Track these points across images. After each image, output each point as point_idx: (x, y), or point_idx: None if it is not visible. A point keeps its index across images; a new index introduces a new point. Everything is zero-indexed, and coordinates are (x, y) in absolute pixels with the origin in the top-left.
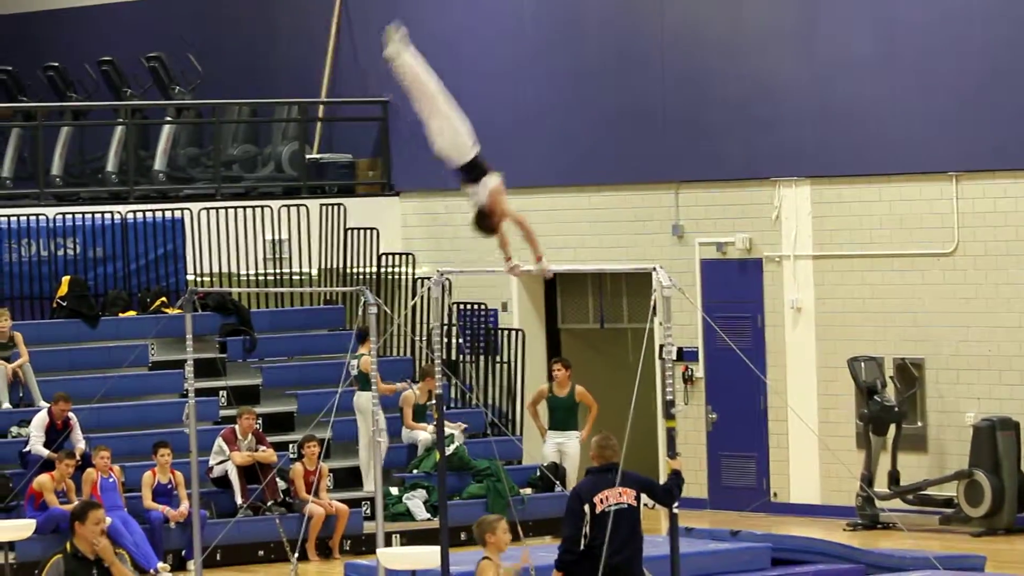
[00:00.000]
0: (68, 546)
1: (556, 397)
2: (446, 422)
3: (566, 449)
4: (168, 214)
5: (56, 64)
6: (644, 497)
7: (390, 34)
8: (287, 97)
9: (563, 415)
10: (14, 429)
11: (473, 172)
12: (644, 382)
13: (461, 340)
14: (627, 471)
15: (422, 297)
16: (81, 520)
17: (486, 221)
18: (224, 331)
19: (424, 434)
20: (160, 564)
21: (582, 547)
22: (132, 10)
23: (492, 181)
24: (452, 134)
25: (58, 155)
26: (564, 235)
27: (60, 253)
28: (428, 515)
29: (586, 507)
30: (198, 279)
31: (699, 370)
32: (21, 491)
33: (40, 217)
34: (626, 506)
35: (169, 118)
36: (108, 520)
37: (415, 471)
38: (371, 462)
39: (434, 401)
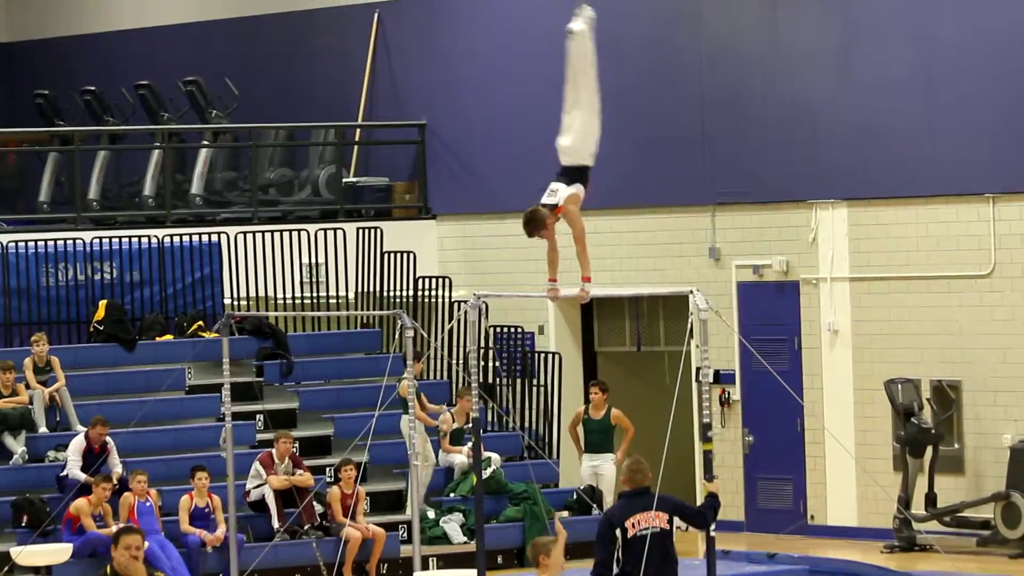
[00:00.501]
0: (108, 569)
1: (592, 420)
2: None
3: (602, 471)
4: (205, 238)
5: (93, 88)
6: (677, 520)
7: (584, 10)
8: (324, 120)
9: (598, 438)
10: (51, 453)
11: (572, 176)
12: (681, 405)
13: (498, 363)
14: (661, 494)
15: (459, 320)
16: (115, 544)
17: (542, 218)
18: (261, 355)
19: (460, 457)
20: None
21: (614, 572)
22: (169, 34)
23: (578, 188)
24: (586, 134)
25: (95, 179)
26: (601, 258)
27: (97, 277)
28: (465, 538)
29: (617, 532)
30: (235, 303)
31: (736, 393)
32: (58, 515)
33: (77, 241)
34: (658, 530)
35: (206, 142)
36: (146, 544)
37: (452, 494)
38: (413, 484)
39: (471, 424)
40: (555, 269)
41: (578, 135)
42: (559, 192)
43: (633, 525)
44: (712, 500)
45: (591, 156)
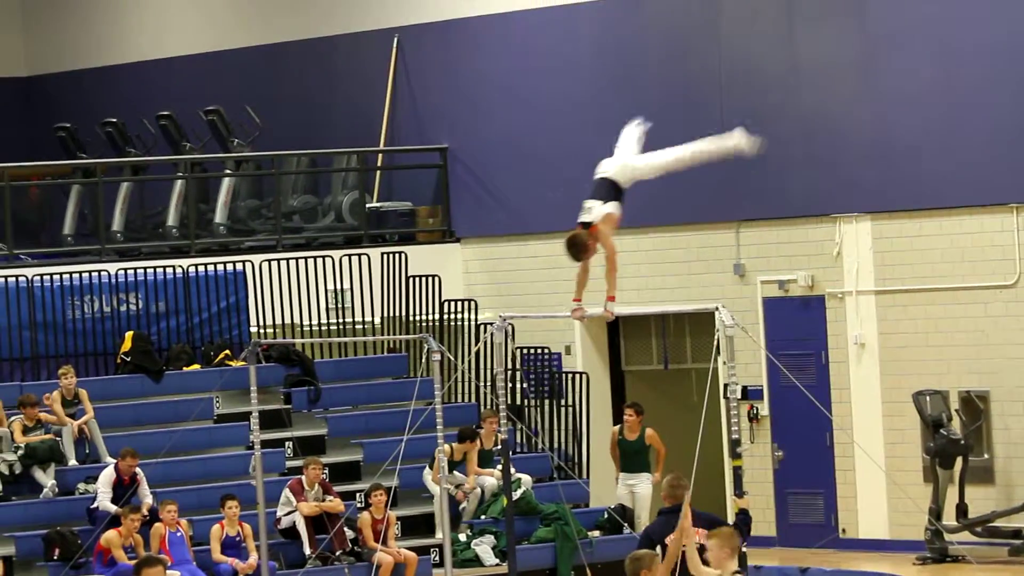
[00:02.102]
0: None
1: (626, 441)
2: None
3: (637, 491)
4: (230, 267)
5: (114, 120)
6: None
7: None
8: (346, 147)
9: (634, 459)
10: (81, 486)
11: (607, 192)
12: (710, 422)
13: (525, 384)
14: (696, 510)
15: (485, 343)
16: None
17: (584, 240)
18: (288, 382)
19: (491, 479)
20: None
21: None
22: (189, 64)
23: (613, 207)
24: (644, 167)
25: (119, 211)
26: (626, 276)
27: (123, 309)
28: (497, 560)
29: (657, 548)
30: (261, 331)
31: (764, 408)
32: (90, 548)
33: (102, 273)
34: (698, 545)
35: (228, 171)
36: (177, 575)
37: (483, 516)
38: (444, 506)
39: (499, 446)
40: (582, 289)
41: (632, 163)
42: (594, 210)
43: (672, 541)
44: (743, 516)
45: (629, 182)
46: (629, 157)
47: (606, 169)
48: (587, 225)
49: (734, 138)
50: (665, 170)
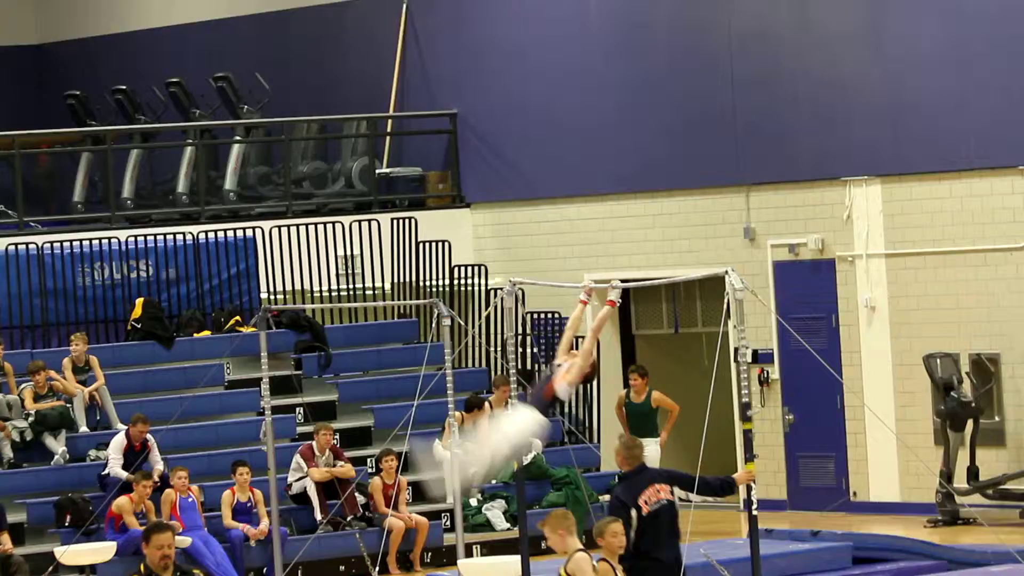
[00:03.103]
0: (142, 567)
1: (632, 404)
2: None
3: (645, 455)
4: (240, 233)
5: (124, 87)
6: (676, 490)
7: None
8: (355, 112)
9: (640, 421)
10: (92, 452)
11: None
12: (720, 386)
13: (535, 349)
14: (653, 468)
15: (495, 308)
16: (145, 542)
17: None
18: (299, 348)
19: None
20: None
21: (635, 549)
22: (198, 31)
23: (562, 372)
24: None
25: (128, 178)
26: (636, 241)
27: (133, 276)
28: (508, 525)
29: (633, 512)
30: (271, 297)
31: (775, 372)
32: (101, 514)
33: (112, 240)
34: (666, 502)
35: (238, 137)
36: (188, 541)
37: (493, 481)
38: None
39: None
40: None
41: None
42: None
43: (646, 502)
44: (726, 478)
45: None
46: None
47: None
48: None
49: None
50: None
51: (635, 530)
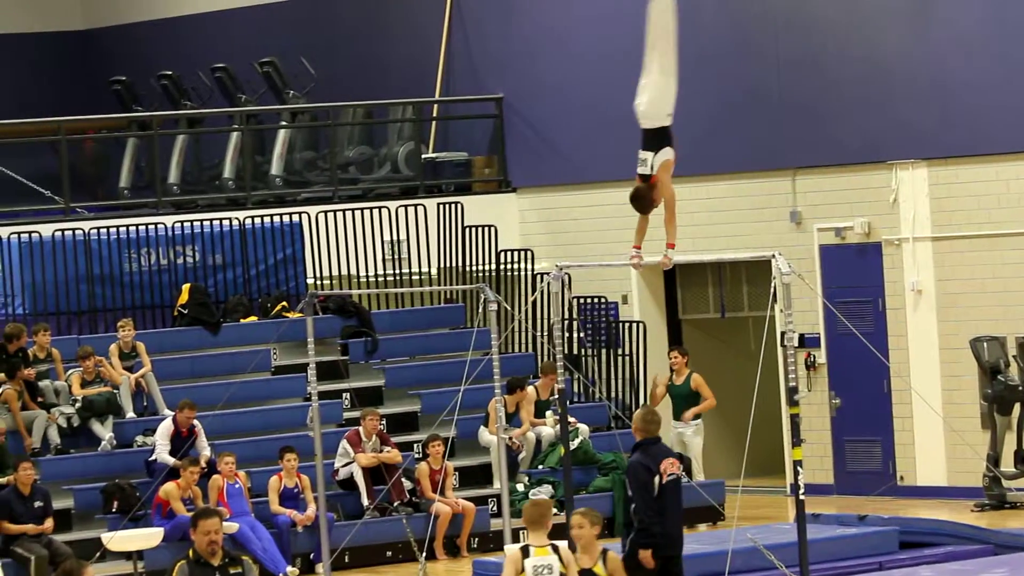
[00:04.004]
0: (191, 552)
1: (673, 385)
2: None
3: (685, 440)
4: (286, 218)
5: (170, 73)
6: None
7: None
8: (401, 97)
9: (681, 403)
10: (139, 438)
11: (656, 140)
12: (767, 370)
13: (582, 334)
14: (666, 446)
15: (542, 292)
16: (193, 528)
17: (647, 193)
18: (345, 333)
19: (548, 429)
20: (289, 568)
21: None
22: (244, 16)
23: (668, 154)
24: (662, 93)
25: (175, 163)
26: (682, 225)
27: (180, 261)
28: (555, 510)
29: (656, 479)
30: (318, 282)
31: (821, 356)
32: (148, 500)
33: (159, 226)
34: (677, 476)
35: (284, 122)
36: (235, 526)
37: (540, 466)
38: (502, 457)
39: (556, 396)
40: (641, 236)
41: (652, 97)
42: (649, 160)
43: (664, 471)
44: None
45: (668, 116)
46: (635, 105)
47: (642, 114)
48: (646, 177)
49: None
50: (661, 89)
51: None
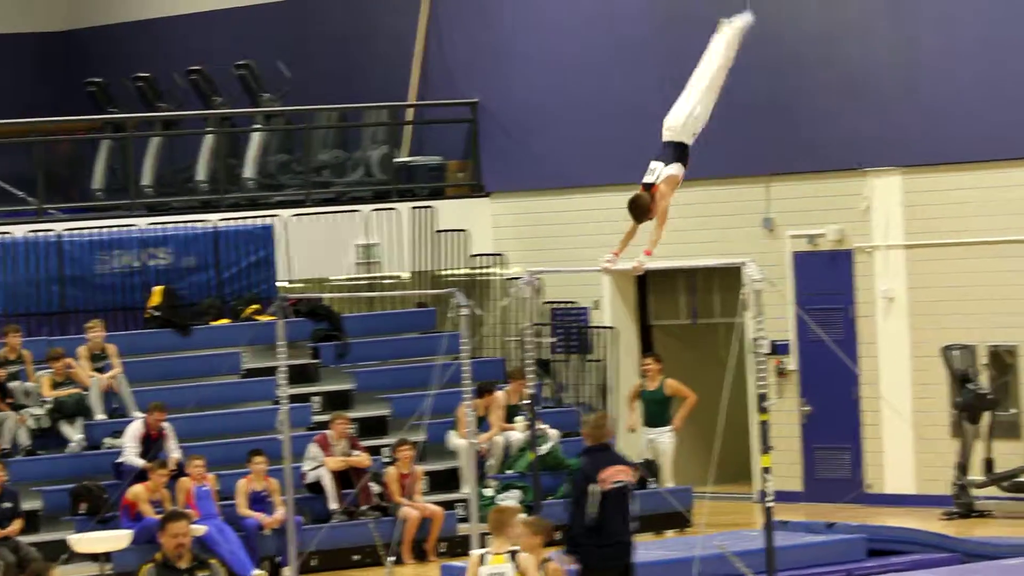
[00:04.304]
0: (159, 555)
1: (647, 391)
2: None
3: (658, 445)
4: (259, 221)
5: (145, 74)
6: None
7: (746, 16)
8: (376, 101)
9: (655, 409)
10: (108, 440)
11: (671, 153)
12: (737, 376)
13: (553, 339)
14: (617, 452)
15: (513, 297)
16: (161, 530)
17: (646, 202)
18: (316, 337)
19: (517, 434)
20: (256, 571)
21: (591, 525)
22: (219, 19)
23: (676, 169)
24: (696, 118)
25: (148, 165)
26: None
27: (152, 263)
28: (523, 515)
29: (593, 486)
30: (289, 285)
31: (792, 363)
32: (116, 502)
33: (131, 228)
34: (623, 484)
35: (258, 125)
36: (203, 529)
37: (509, 471)
38: (468, 463)
39: (526, 401)
40: (624, 245)
41: (686, 116)
42: (657, 171)
43: (605, 479)
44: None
45: (691, 136)
46: (668, 118)
47: (670, 127)
48: (649, 186)
49: (739, 20)
50: (710, 97)
51: (594, 505)
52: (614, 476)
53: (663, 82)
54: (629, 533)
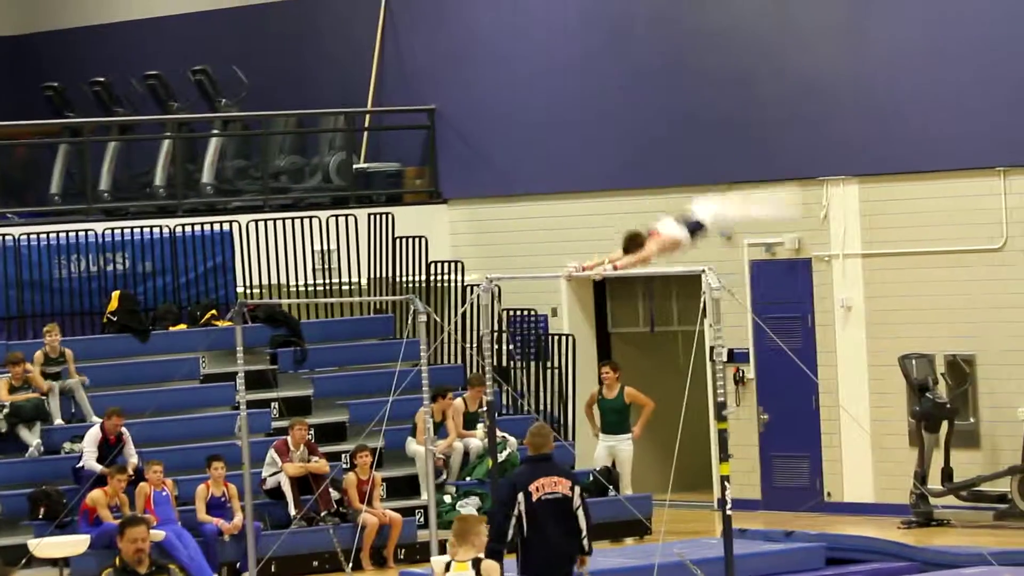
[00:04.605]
0: (117, 560)
1: (605, 400)
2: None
3: (617, 453)
4: (216, 227)
5: (102, 79)
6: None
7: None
8: (333, 107)
9: (614, 417)
10: (67, 445)
11: (689, 226)
12: (695, 384)
13: (511, 346)
14: (562, 465)
15: (472, 304)
16: (119, 535)
17: (639, 240)
18: (274, 342)
19: (476, 441)
20: None
21: (519, 536)
22: (176, 24)
23: (680, 233)
24: (717, 219)
25: (106, 170)
26: (613, 239)
27: (109, 268)
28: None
29: (520, 495)
30: (247, 291)
31: (750, 371)
32: (75, 507)
33: (89, 232)
34: (560, 496)
35: (216, 131)
36: (162, 534)
37: (468, 478)
38: (429, 468)
39: (485, 408)
40: (596, 265)
41: (715, 214)
42: (665, 222)
43: (537, 489)
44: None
45: (709, 218)
46: (715, 208)
47: (698, 211)
48: (651, 231)
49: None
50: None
51: (521, 515)
52: (547, 487)
53: (620, 90)
54: (563, 546)
